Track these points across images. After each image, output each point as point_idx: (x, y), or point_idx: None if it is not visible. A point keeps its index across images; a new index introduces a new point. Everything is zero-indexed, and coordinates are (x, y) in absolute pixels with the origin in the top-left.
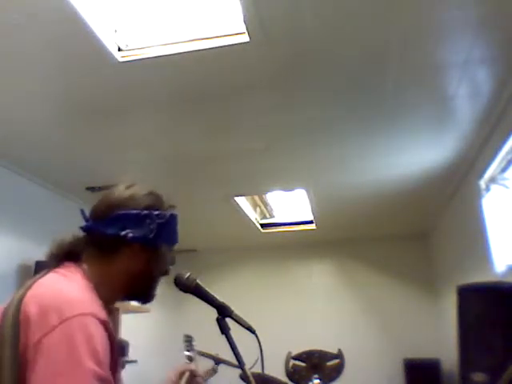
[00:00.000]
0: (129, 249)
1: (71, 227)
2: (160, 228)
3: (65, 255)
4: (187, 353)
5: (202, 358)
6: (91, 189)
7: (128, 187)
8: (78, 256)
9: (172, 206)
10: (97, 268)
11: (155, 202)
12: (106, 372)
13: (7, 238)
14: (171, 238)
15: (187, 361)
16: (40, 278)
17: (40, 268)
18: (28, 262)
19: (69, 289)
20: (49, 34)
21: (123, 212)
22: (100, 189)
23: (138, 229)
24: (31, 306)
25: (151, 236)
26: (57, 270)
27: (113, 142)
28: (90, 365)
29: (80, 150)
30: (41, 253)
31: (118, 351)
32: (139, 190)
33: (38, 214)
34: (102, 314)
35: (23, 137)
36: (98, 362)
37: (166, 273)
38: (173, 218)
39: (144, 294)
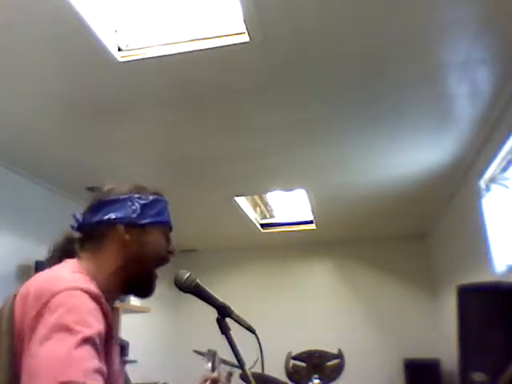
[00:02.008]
0: (114, 231)
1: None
2: (143, 208)
3: (61, 253)
4: (209, 365)
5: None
6: (91, 189)
7: (113, 185)
8: (74, 253)
9: (157, 193)
10: (91, 259)
11: (136, 189)
12: (96, 339)
13: (7, 238)
14: (158, 219)
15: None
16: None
17: (40, 268)
18: (28, 262)
19: (62, 271)
20: (49, 33)
21: (104, 199)
22: (100, 189)
23: (121, 210)
24: (26, 295)
25: (134, 216)
26: (54, 265)
27: (113, 141)
28: (78, 328)
29: (80, 150)
30: (41, 253)
31: (113, 328)
32: (122, 185)
33: (37, 214)
34: (95, 289)
35: (23, 137)
36: (88, 326)
37: (163, 259)
38: (158, 200)
39: (139, 285)
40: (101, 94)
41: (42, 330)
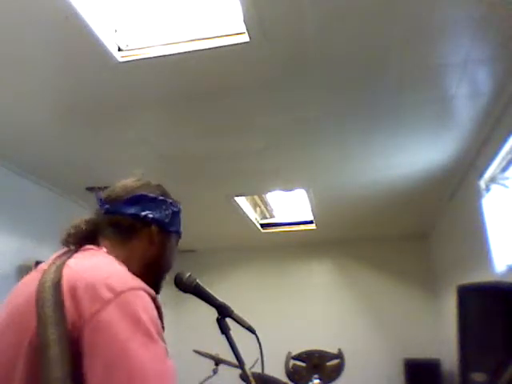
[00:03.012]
0: (147, 230)
1: None
2: (173, 215)
3: (82, 238)
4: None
5: (201, 357)
6: (91, 189)
7: (139, 180)
8: (94, 239)
9: (178, 202)
10: (116, 250)
11: (166, 193)
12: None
13: (7, 238)
14: (180, 229)
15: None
16: (67, 259)
17: None
18: (28, 262)
19: (111, 264)
20: (49, 34)
21: (143, 193)
22: (100, 189)
23: (157, 212)
24: (73, 285)
25: (167, 221)
26: (82, 251)
27: (113, 141)
28: (157, 338)
29: (80, 150)
30: (41, 253)
31: (162, 326)
32: (150, 182)
33: (38, 214)
34: (150, 289)
35: (23, 137)
36: (158, 333)
37: (171, 267)
38: (180, 211)
39: (153, 283)
40: (101, 94)
41: (117, 329)
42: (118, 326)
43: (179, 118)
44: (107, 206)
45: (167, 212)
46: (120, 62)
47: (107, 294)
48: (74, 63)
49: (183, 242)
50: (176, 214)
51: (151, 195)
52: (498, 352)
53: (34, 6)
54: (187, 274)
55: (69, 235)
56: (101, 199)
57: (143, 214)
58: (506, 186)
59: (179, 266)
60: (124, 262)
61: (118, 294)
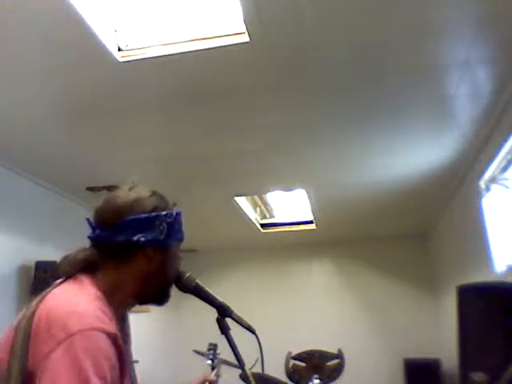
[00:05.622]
0: (142, 253)
1: (71, 227)
2: (169, 228)
3: (78, 268)
4: (209, 362)
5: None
6: (91, 189)
7: (131, 189)
8: (91, 266)
9: (175, 204)
10: (110, 276)
11: (160, 202)
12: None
13: (7, 238)
14: (180, 236)
15: (210, 369)
16: (54, 288)
17: (40, 268)
18: (28, 262)
19: (77, 301)
20: (49, 34)
21: (132, 217)
22: (100, 189)
23: (149, 232)
24: (41, 320)
25: (162, 237)
26: (70, 281)
27: (113, 141)
28: (95, 381)
29: (80, 150)
30: (41, 253)
31: (127, 363)
32: (143, 192)
33: (38, 214)
34: (110, 327)
35: (23, 137)
36: (102, 378)
37: (175, 273)
38: (178, 215)
39: (158, 296)
40: (101, 94)
41: (58, 371)
42: (59, 372)
43: (179, 117)
44: (98, 233)
45: (161, 227)
46: (120, 62)
47: (60, 335)
48: (73, 63)
49: (183, 242)
50: (172, 224)
51: (142, 216)
52: (498, 352)
53: (34, 6)
54: (187, 274)
55: (65, 271)
56: (92, 225)
57: (135, 238)
58: (506, 186)
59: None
60: (117, 285)
61: (68, 335)
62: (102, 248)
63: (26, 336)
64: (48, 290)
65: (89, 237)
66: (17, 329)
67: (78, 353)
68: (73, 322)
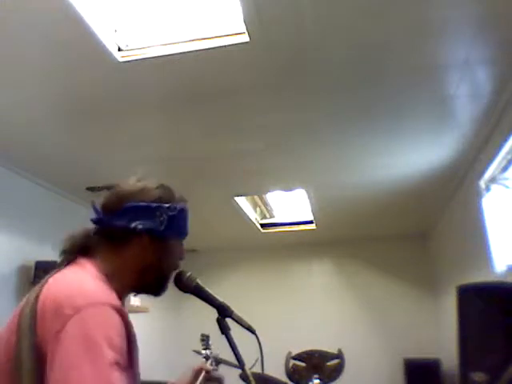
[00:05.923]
0: (139, 240)
1: (71, 227)
2: (170, 220)
3: (78, 250)
4: (204, 351)
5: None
6: (91, 189)
7: (139, 180)
8: (91, 250)
9: (183, 200)
10: (109, 260)
11: (166, 194)
12: (124, 359)
13: (7, 238)
14: (181, 231)
15: (203, 359)
16: (56, 273)
17: (40, 268)
18: (28, 262)
19: (82, 280)
20: (49, 34)
21: (133, 204)
22: (100, 189)
23: (148, 221)
24: (47, 300)
25: (161, 228)
26: (71, 264)
27: (113, 141)
28: (109, 353)
29: (80, 150)
30: (41, 253)
31: (135, 340)
32: (150, 183)
33: (38, 214)
34: (117, 302)
35: (23, 137)
36: (116, 349)
37: (176, 267)
38: (183, 211)
39: (154, 287)
40: (101, 94)
41: (70, 346)
42: (71, 348)
43: (179, 117)
44: (101, 217)
45: (162, 218)
46: (120, 62)
47: (69, 311)
48: (73, 63)
49: (184, 242)
50: (174, 218)
51: (142, 204)
52: (498, 352)
53: (34, 6)
54: (187, 274)
55: (65, 251)
56: (96, 209)
57: (133, 225)
58: (506, 186)
59: (179, 265)
60: (115, 271)
61: (77, 310)
62: (103, 232)
63: (32, 317)
64: (49, 275)
65: (91, 219)
66: (21, 312)
67: (88, 327)
68: (81, 299)
